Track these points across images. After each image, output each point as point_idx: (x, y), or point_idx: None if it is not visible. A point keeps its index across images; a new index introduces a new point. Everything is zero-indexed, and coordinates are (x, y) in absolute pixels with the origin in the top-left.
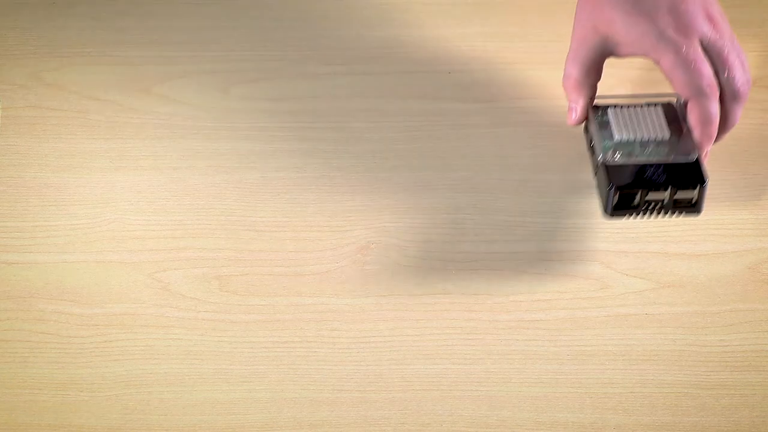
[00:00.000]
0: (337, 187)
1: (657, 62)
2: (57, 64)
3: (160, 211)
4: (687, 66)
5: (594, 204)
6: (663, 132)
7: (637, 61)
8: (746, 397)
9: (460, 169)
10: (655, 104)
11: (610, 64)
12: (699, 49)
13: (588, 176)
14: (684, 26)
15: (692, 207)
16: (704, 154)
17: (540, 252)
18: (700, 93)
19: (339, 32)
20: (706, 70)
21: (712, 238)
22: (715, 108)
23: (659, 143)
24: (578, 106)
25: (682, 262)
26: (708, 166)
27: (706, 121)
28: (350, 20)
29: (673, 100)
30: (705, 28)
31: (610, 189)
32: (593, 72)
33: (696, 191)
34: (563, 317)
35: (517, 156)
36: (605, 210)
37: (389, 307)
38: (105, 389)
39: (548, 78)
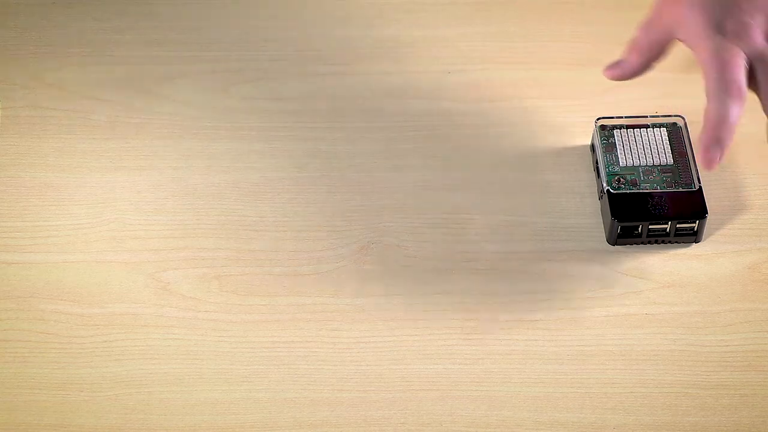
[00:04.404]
0: (337, 187)
1: (695, 55)
2: (57, 64)
3: (160, 211)
4: (721, 64)
5: (594, 204)
6: (667, 158)
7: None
8: (746, 397)
9: (460, 169)
10: (661, 125)
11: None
12: (740, 54)
13: (588, 176)
14: (737, 33)
15: (693, 235)
16: (704, 157)
17: (540, 252)
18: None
19: (339, 32)
20: (738, 73)
21: (712, 238)
22: (717, 110)
23: (663, 170)
24: (624, 63)
25: (682, 262)
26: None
27: (707, 121)
28: (350, 20)
29: (679, 121)
30: (758, 40)
31: (613, 222)
32: (655, 48)
33: (697, 223)
34: (563, 317)
35: (516, 156)
36: (608, 240)
37: (389, 307)
38: (105, 389)
39: (548, 78)
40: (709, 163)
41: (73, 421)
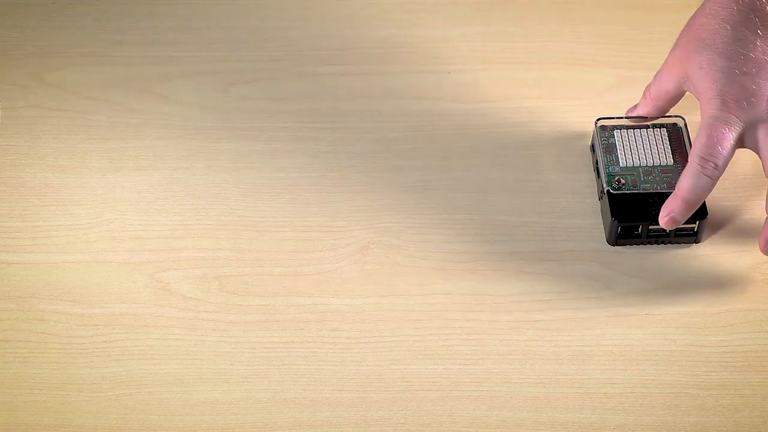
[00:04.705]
0: (337, 187)
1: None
2: (57, 64)
3: (160, 211)
4: (708, 137)
5: (594, 204)
6: (667, 158)
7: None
8: (746, 397)
9: (460, 169)
10: (661, 125)
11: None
12: (731, 127)
13: (588, 176)
14: (739, 100)
15: (693, 236)
16: (665, 217)
17: (540, 252)
18: (693, 161)
19: (339, 32)
20: (721, 150)
21: (712, 238)
22: (689, 183)
23: (663, 170)
24: (639, 109)
25: (682, 262)
26: None
27: (678, 189)
28: (350, 20)
29: (679, 121)
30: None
31: (613, 222)
32: (663, 97)
33: (697, 223)
34: (563, 317)
35: (516, 156)
36: (608, 240)
37: (389, 307)
38: (105, 389)
39: (548, 78)
40: (669, 226)
41: (73, 421)
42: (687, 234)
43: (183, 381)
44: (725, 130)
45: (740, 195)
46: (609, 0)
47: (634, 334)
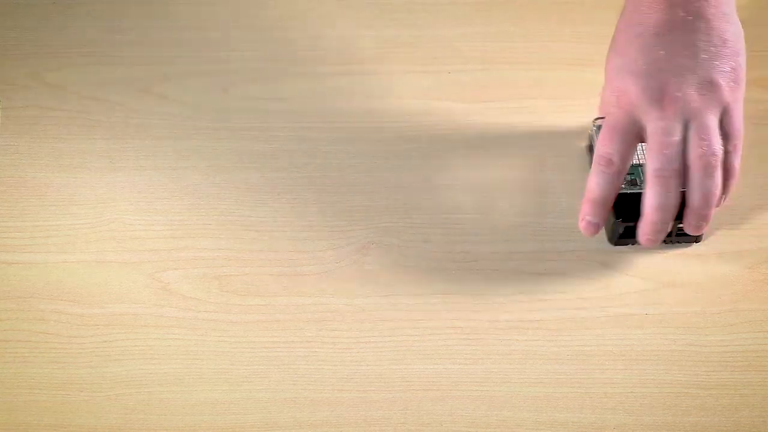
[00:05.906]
0: (337, 187)
1: None
2: (57, 64)
3: (160, 211)
4: (603, 131)
5: None
6: None
7: None
8: (746, 397)
9: (460, 169)
10: None
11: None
12: (622, 125)
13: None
14: (624, 100)
15: (693, 236)
16: (581, 221)
17: (540, 252)
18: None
19: (339, 32)
20: (614, 145)
21: (712, 238)
22: (592, 182)
23: None
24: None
25: (682, 262)
26: None
27: (586, 190)
28: (350, 20)
29: None
30: (685, 102)
31: (615, 222)
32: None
33: None
34: (563, 317)
35: (517, 156)
36: (609, 240)
37: (389, 307)
38: (105, 389)
39: (548, 78)
40: (589, 231)
41: (73, 421)
42: (687, 234)
43: (183, 381)
44: (617, 126)
45: (740, 195)
46: (609, 0)
47: (634, 334)
